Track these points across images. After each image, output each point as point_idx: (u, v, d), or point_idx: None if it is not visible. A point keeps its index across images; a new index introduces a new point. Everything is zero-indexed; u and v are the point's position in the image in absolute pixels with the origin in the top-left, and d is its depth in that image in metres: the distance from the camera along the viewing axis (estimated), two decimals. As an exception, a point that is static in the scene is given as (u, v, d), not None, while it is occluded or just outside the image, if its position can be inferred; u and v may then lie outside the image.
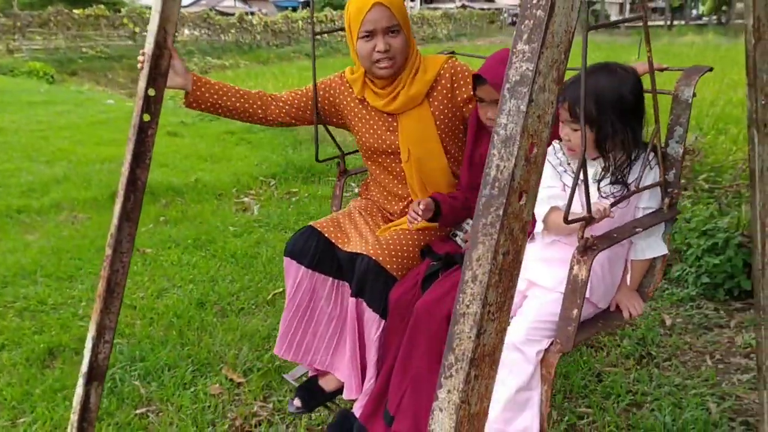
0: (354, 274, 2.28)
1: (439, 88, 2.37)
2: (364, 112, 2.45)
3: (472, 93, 2.27)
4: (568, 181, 1.99)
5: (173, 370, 3.06)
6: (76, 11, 28.14)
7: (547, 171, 2.03)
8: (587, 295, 1.83)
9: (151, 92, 2.11)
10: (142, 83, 2.10)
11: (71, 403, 2.77)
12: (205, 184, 6.31)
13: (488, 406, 1.25)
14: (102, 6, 28.96)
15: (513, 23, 50.39)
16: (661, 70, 2.13)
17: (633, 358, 3.15)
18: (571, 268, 1.74)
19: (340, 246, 2.38)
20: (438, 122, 2.37)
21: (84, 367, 2.13)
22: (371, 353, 2.28)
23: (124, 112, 12.03)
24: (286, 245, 2.43)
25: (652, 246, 2.01)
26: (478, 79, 2.17)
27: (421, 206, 2.21)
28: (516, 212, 1.17)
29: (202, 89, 2.41)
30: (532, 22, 1.16)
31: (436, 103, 2.37)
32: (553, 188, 2.00)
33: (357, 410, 2.31)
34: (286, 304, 2.45)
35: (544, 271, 2.00)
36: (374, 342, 2.26)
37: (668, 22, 43.93)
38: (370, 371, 2.30)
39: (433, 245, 2.35)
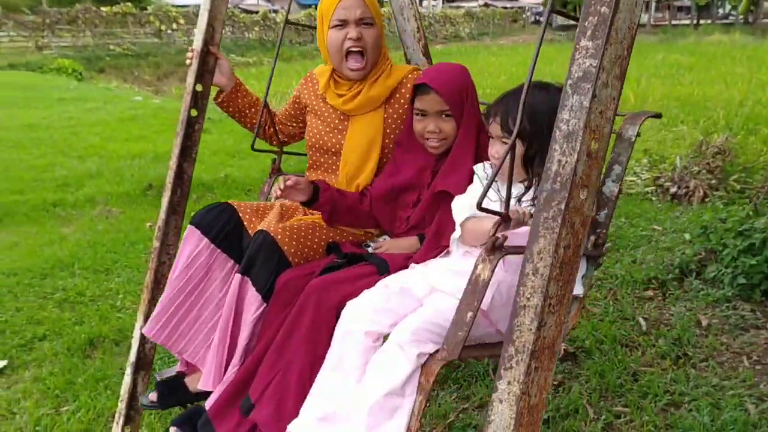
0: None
1: (398, 96, 2.34)
2: (322, 108, 2.41)
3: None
4: (494, 197, 1.87)
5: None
6: (103, 8, 28.51)
7: (476, 184, 1.97)
8: (484, 306, 1.68)
9: (199, 88, 2.16)
10: (190, 79, 2.14)
11: (113, 391, 2.84)
12: (234, 179, 6.37)
13: (546, 398, 1.27)
14: (129, 3, 29.31)
15: (536, 22, 50.11)
16: None
17: (669, 359, 3.13)
18: (475, 267, 1.56)
19: (249, 230, 2.21)
20: (387, 130, 2.32)
21: (132, 357, 2.18)
22: (242, 337, 2.03)
23: (152, 109, 12.18)
24: (194, 215, 2.24)
25: None
26: (420, 89, 2.09)
27: (289, 182, 2.06)
28: (577, 206, 1.18)
29: (239, 94, 2.47)
30: (596, 18, 1.17)
31: (390, 110, 2.33)
32: (471, 203, 1.81)
33: (208, 402, 2.02)
34: (172, 279, 2.16)
35: (449, 278, 1.83)
36: (249, 324, 2.02)
37: (694, 21, 43.43)
38: (236, 358, 2.04)
39: (341, 245, 2.17)
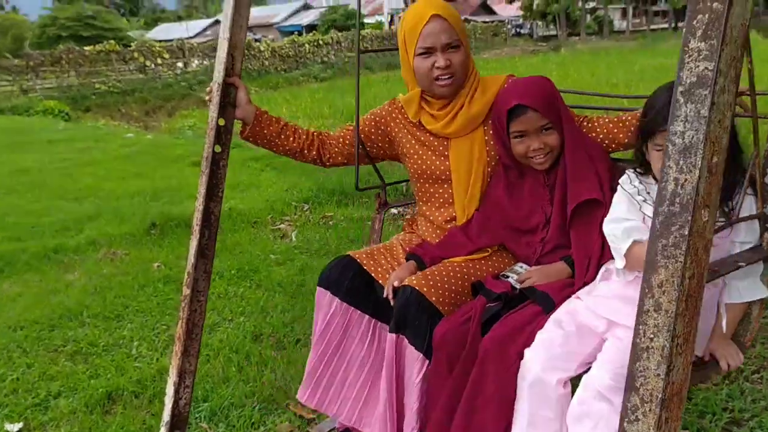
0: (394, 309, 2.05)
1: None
2: (419, 134, 2.30)
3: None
4: (649, 211, 1.76)
5: (239, 410, 2.93)
6: (87, 48, 28.45)
7: (624, 201, 1.82)
8: None
9: (222, 122, 2.02)
10: (213, 113, 2.01)
11: (140, 451, 2.66)
12: (239, 212, 6.21)
13: (675, 451, 1.11)
14: (112, 41, 29.28)
15: (517, 34, 50.45)
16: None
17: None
18: None
19: (379, 280, 2.17)
20: (488, 148, 2.22)
21: (166, 416, 2.02)
22: (411, 399, 2.00)
23: (144, 145, 12.03)
24: (320, 274, 2.23)
25: (749, 288, 1.77)
26: (514, 111, 2.02)
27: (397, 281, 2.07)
28: (700, 230, 1.04)
29: (263, 124, 2.32)
30: (707, 16, 1.03)
31: (488, 127, 2.22)
32: (632, 221, 1.78)
33: None
34: (313, 342, 2.19)
35: (627, 309, 1.74)
36: (416, 386, 1.99)
37: (672, 25, 43.86)
38: (411, 422, 2.00)
39: (486, 282, 2.07)
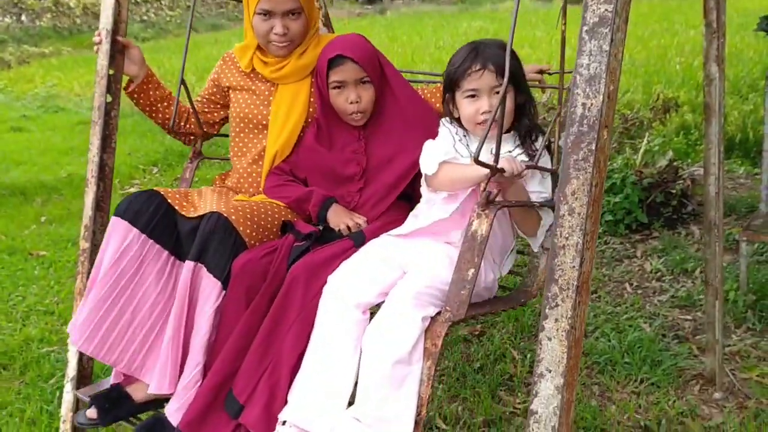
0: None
1: None
2: (249, 83, 2.29)
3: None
4: (461, 150, 1.85)
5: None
6: None
7: (444, 136, 1.91)
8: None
9: (112, 71, 1.97)
10: (103, 61, 1.96)
11: (20, 418, 2.54)
12: (81, 177, 5.86)
13: (584, 330, 1.34)
14: None
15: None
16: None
17: (566, 295, 3.41)
18: (470, 224, 1.55)
19: (184, 214, 2.00)
20: (312, 99, 2.24)
21: (71, 371, 1.99)
22: (200, 333, 1.84)
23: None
24: (117, 206, 1.97)
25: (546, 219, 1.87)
26: (334, 61, 2.04)
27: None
28: (602, 146, 1.25)
29: (150, 85, 2.25)
30: (605, -34, 1.22)
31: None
32: (447, 150, 1.85)
33: (174, 413, 1.81)
34: (99, 278, 1.91)
35: (430, 240, 1.83)
36: (208, 318, 1.83)
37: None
38: (196, 357, 1.83)
39: (295, 224, 2.02)
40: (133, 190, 5.60)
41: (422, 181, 1.91)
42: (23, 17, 28.31)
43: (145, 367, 1.92)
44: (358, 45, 2.08)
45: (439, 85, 2.27)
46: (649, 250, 3.84)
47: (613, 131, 5.39)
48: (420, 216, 1.91)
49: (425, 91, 2.34)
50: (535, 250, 1.92)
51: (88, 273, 1.97)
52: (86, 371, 2.02)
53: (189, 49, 2.21)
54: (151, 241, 1.94)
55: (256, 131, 2.27)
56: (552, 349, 1.25)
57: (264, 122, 2.24)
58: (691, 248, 3.79)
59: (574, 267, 1.24)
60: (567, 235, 1.24)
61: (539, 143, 1.84)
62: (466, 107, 1.83)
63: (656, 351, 2.83)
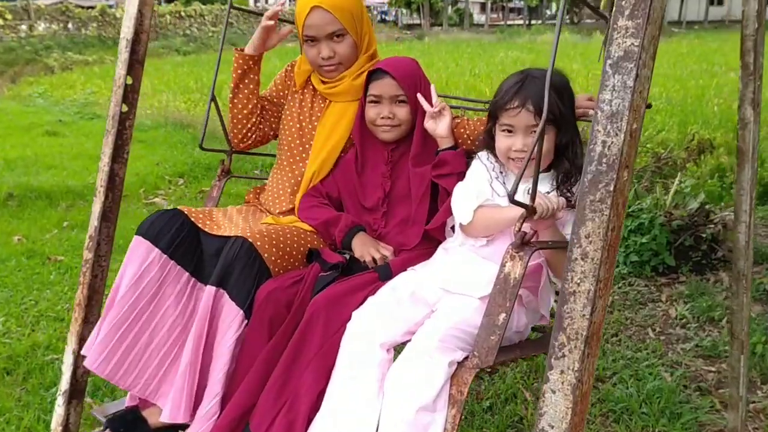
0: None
1: None
2: (301, 98, 2.28)
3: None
4: (498, 188, 1.80)
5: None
6: None
7: (479, 170, 1.84)
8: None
9: (129, 80, 1.95)
10: (121, 71, 1.93)
11: (16, 426, 2.51)
12: (107, 185, 5.91)
13: (592, 383, 1.25)
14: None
15: (382, 20, 51.02)
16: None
17: (585, 336, 3.29)
18: (503, 265, 1.48)
19: (207, 230, 1.96)
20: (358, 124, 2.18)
21: (64, 384, 1.95)
22: (219, 363, 1.77)
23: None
24: (140, 224, 1.93)
25: None
26: (374, 75, 2.05)
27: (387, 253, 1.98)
28: (621, 187, 1.18)
29: (257, 68, 2.28)
30: (634, -2, 1.16)
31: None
32: (481, 190, 1.79)
33: None
34: (117, 298, 1.85)
35: (461, 278, 1.74)
36: (228, 348, 1.77)
37: (526, 21, 46.39)
38: (215, 388, 1.76)
39: (322, 252, 1.97)
40: (157, 200, 5.62)
41: (452, 219, 1.85)
42: (69, 25, 29.08)
43: (160, 391, 1.87)
44: (402, 64, 2.08)
45: (482, 118, 2.18)
46: (674, 295, 3.70)
47: (644, 170, 5.28)
48: (450, 250, 1.86)
49: (467, 122, 2.22)
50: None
51: (90, 284, 1.93)
52: (80, 385, 1.97)
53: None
54: (173, 262, 1.89)
55: (301, 148, 2.23)
56: (555, 404, 1.16)
57: (310, 141, 2.21)
58: (719, 296, 3.65)
59: (584, 315, 1.15)
60: (579, 281, 1.16)
61: (577, 186, 1.75)
62: (501, 140, 1.78)
63: (676, 402, 2.70)
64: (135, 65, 1.96)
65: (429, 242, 2.00)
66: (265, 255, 1.81)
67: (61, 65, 22.79)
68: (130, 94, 1.96)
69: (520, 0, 53.70)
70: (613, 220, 1.15)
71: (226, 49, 2.41)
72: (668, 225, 3.92)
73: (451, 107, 2.39)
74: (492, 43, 29.58)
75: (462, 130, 2.16)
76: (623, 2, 1.14)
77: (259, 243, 1.82)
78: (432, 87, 2.06)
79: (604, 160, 1.15)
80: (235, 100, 2.24)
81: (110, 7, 34.15)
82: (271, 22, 2.17)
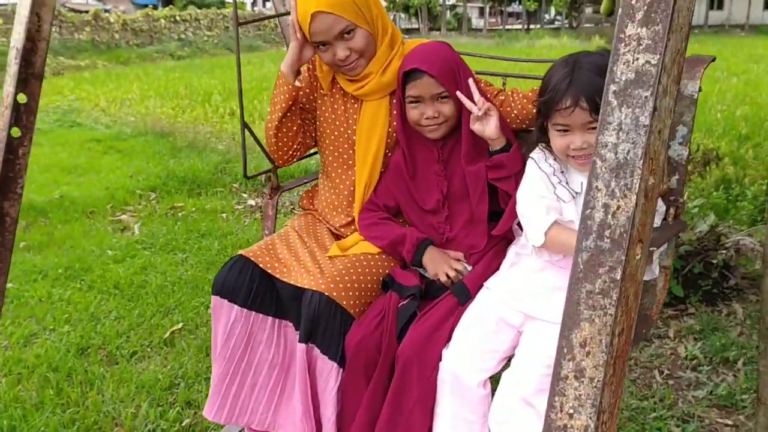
0: (300, 313, 1.90)
1: None
2: (331, 100, 2.20)
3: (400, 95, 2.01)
4: (563, 194, 1.72)
5: (55, 443, 2.47)
6: None
7: (539, 179, 1.75)
8: None
9: (22, 98, 1.59)
10: (9, 87, 1.56)
11: None
12: (73, 200, 5.53)
13: None
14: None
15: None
16: None
17: (583, 381, 2.92)
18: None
19: (279, 277, 2.02)
20: (392, 117, 2.11)
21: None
22: (328, 410, 1.90)
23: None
24: (213, 282, 2.05)
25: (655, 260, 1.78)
26: (410, 75, 1.92)
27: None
28: (633, 271, 0.81)
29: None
30: (651, -6, 0.80)
31: (395, 101, 2.08)
32: (547, 199, 1.71)
33: None
34: (216, 355, 2.04)
35: (543, 301, 1.71)
36: (332, 397, 1.88)
37: (525, 26, 46.01)
38: (329, 430, 1.91)
39: (395, 275, 1.98)
40: (124, 217, 5.24)
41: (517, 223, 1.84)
42: (62, 29, 28.74)
43: (276, 422, 2.07)
44: (437, 58, 1.93)
45: (526, 93, 2.07)
46: (683, 330, 3.33)
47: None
48: (523, 257, 1.83)
49: (513, 99, 2.09)
50: (655, 276, 1.80)
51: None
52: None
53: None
54: (254, 313, 2.02)
55: (346, 156, 2.18)
56: None
57: (350, 139, 2.16)
58: (733, 331, 3.28)
59: (578, 463, 0.78)
60: (570, 411, 0.79)
61: None
62: (556, 139, 1.69)
63: (689, 467, 2.34)
64: (30, 80, 1.60)
65: (497, 240, 1.99)
66: (344, 303, 1.87)
67: (52, 70, 22.42)
68: (24, 116, 1.59)
69: (518, 4, 53.49)
70: (621, 320, 0.79)
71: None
72: (675, 250, 3.55)
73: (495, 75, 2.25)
74: (491, 48, 29.31)
75: (509, 109, 2.07)
76: (634, 1, 0.77)
77: (335, 294, 1.87)
78: (471, 80, 1.92)
79: (607, 232, 0.78)
80: (285, 129, 2.17)
81: (105, 11, 33.91)
82: (300, 36, 2.03)
